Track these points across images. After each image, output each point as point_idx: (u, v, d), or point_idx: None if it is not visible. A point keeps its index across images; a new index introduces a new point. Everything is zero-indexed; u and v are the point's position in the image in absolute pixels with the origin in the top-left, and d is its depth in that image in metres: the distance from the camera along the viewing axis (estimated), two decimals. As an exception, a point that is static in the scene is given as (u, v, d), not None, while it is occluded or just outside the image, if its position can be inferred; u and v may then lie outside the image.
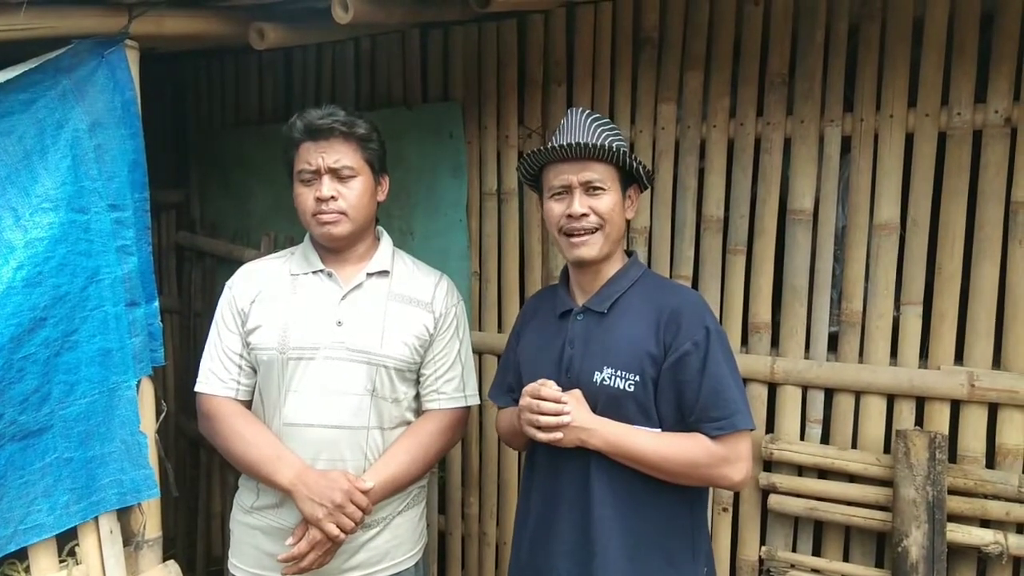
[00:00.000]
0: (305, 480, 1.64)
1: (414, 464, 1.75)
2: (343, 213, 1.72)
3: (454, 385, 1.84)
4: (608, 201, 1.56)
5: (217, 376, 1.77)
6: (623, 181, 1.59)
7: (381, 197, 1.83)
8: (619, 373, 1.53)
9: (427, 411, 1.83)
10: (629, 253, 1.69)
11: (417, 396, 1.85)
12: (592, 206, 1.55)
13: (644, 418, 1.53)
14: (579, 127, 1.58)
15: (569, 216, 1.56)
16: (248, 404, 1.80)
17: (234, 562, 1.82)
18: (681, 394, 1.52)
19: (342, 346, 1.72)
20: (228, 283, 1.84)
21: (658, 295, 1.59)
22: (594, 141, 1.54)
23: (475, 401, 1.90)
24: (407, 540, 1.83)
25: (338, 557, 1.70)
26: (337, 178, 1.72)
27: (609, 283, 1.62)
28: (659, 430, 1.54)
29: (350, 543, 1.71)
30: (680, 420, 1.53)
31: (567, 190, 1.58)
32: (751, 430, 1.54)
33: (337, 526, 1.61)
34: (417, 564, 1.87)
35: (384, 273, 1.81)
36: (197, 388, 1.79)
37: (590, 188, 1.56)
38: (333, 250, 1.79)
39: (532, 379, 1.59)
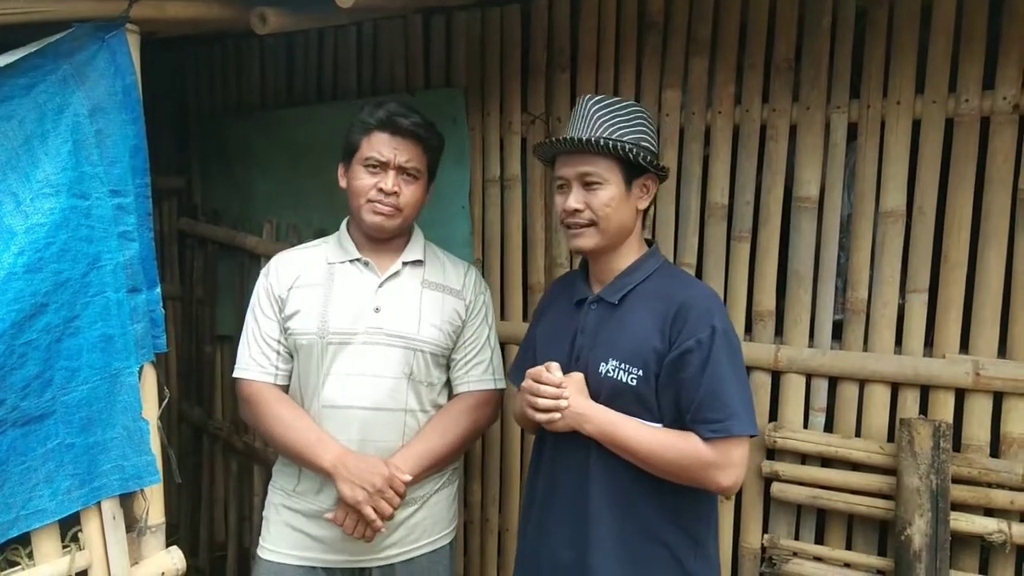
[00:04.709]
0: (346, 462, 1.70)
1: (447, 440, 1.82)
2: (399, 209, 1.80)
3: (483, 368, 1.91)
4: (604, 196, 1.54)
5: (256, 362, 1.83)
6: (627, 173, 1.56)
7: (426, 200, 1.91)
8: (623, 366, 1.53)
9: (458, 394, 1.90)
10: (649, 243, 1.67)
11: (448, 382, 1.92)
12: (588, 201, 1.54)
13: (645, 412, 1.53)
14: (583, 118, 1.56)
15: (564, 211, 1.57)
16: (285, 388, 1.86)
17: (268, 547, 1.84)
18: (679, 392, 1.50)
19: (380, 331, 1.79)
20: (263, 270, 1.91)
21: (670, 289, 1.56)
22: (592, 133, 1.52)
23: (503, 385, 1.96)
24: (443, 518, 1.91)
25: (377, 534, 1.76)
26: (403, 175, 1.80)
27: (623, 274, 1.61)
28: (659, 425, 1.52)
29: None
30: (680, 417, 1.52)
31: (567, 183, 1.57)
32: (751, 436, 1.50)
33: (375, 510, 1.67)
34: (451, 543, 1.95)
35: (418, 263, 1.89)
36: (236, 374, 1.84)
37: (586, 183, 1.55)
38: (372, 239, 1.85)
39: (543, 363, 1.59)
